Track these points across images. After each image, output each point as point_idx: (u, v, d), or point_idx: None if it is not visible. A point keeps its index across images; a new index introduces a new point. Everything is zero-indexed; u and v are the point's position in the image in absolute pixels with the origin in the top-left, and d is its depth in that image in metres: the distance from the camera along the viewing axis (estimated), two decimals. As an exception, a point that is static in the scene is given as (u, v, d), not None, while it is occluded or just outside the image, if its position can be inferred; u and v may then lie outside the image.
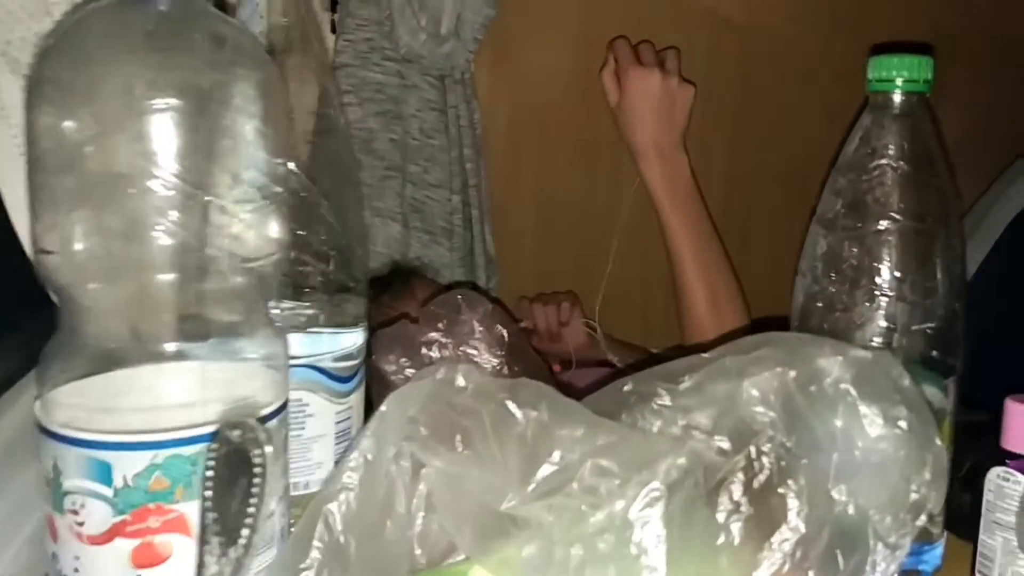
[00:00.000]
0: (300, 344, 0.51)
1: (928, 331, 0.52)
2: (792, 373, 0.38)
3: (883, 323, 0.51)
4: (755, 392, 0.37)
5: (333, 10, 1.35)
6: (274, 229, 0.43)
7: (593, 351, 1.30)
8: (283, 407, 0.44)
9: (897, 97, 0.51)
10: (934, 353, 0.53)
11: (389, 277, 1.17)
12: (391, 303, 1.09)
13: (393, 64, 1.33)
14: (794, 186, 1.55)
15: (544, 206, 1.55)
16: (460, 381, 0.42)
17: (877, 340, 0.52)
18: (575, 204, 1.54)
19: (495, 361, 0.59)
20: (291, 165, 0.50)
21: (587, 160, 1.51)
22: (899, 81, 0.50)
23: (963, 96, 1.57)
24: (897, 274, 0.51)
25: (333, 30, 1.35)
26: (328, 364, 0.53)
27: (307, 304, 0.53)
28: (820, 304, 0.53)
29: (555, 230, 1.55)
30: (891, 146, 0.51)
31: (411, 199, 1.37)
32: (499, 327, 0.62)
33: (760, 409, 0.37)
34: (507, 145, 1.51)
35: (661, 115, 0.99)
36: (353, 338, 0.54)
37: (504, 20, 1.44)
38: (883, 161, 0.50)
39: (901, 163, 0.50)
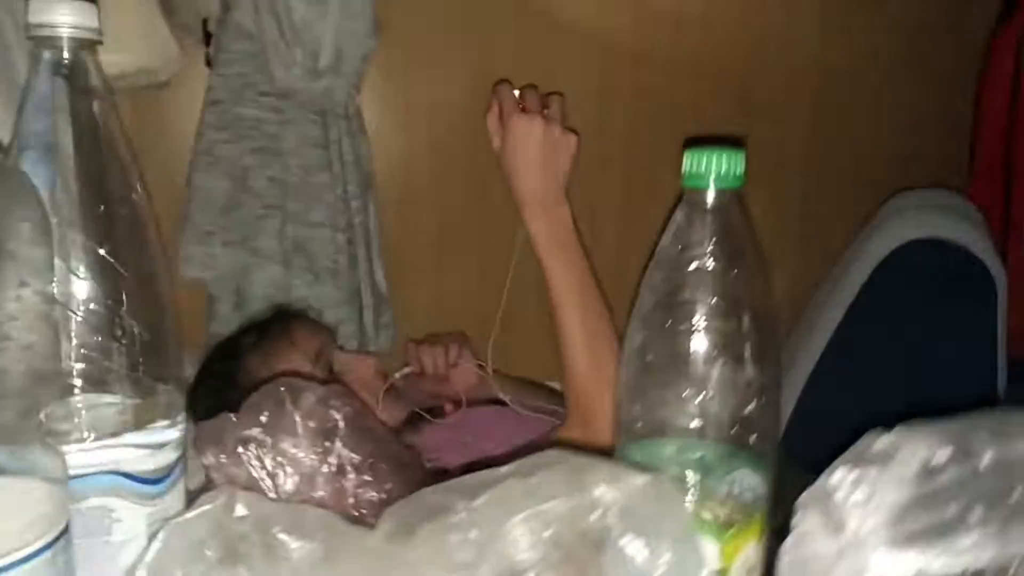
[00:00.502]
0: (100, 450, 0.49)
1: (743, 421, 0.52)
2: (564, 507, 0.38)
3: (696, 416, 0.52)
4: (524, 531, 0.37)
5: (207, 44, 1.31)
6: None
7: (485, 390, 1.29)
8: (59, 536, 0.42)
9: (710, 195, 0.51)
10: (751, 440, 0.53)
11: (268, 322, 1.13)
12: (270, 351, 1.06)
13: (269, 99, 1.30)
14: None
15: (441, 241, 1.54)
16: (240, 510, 0.40)
17: (693, 428, 0.52)
18: (472, 238, 1.53)
19: (317, 456, 0.57)
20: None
21: (484, 194, 1.50)
22: (712, 179, 0.51)
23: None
24: (706, 369, 0.51)
25: (208, 64, 1.31)
26: (133, 468, 0.50)
27: (109, 404, 0.50)
28: (638, 396, 0.53)
29: (452, 265, 1.55)
30: (702, 242, 0.51)
31: (293, 238, 1.34)
32: (332, 414, 0.60)
33: (525, 551, 0.37)
34: (401, 180, 1.49)
35: (543, 164, 0.96)
36: (162, 437, 0.52)
37: (393, 52, 1.43)
38: (694, 259, 0.51)
39: (711, 260, 0.51)
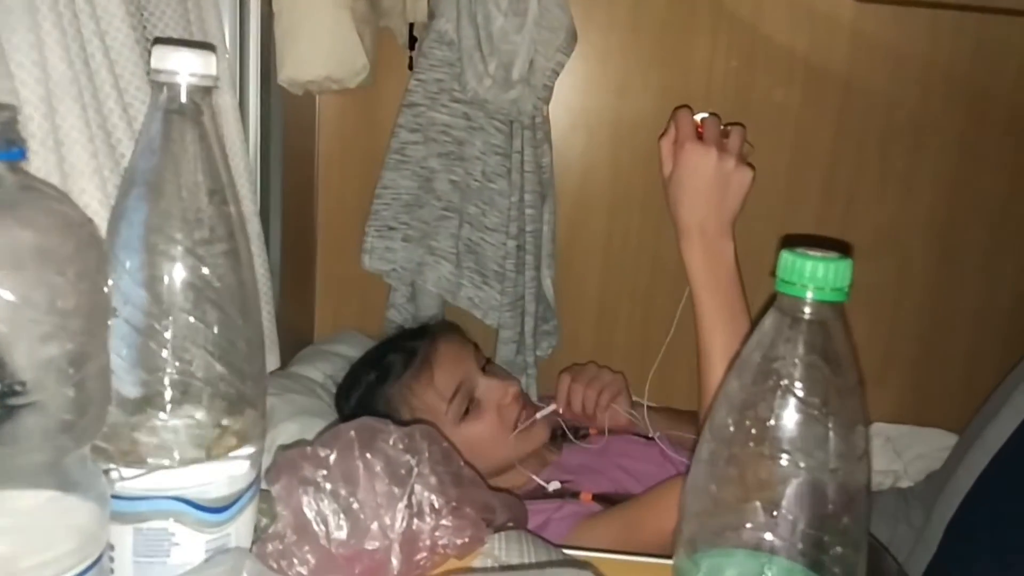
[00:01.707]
0: (166, 475, 0.52)
1: (823, 547, 0.46)
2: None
3: (769, 533, 0.46)
4: None
5: (411, 47, 1.36)
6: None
7: (633, 428, 1.26)
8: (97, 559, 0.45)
9: (807, 307, 0.45)
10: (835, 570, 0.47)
11: (414, 336, 1.16)
12: (411, 384, 1.09)
13: (460, 106, 1.33)
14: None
15: (609, 255, 1.51)
16: (244, 576, 0.41)
17: (763, 544, 0.47)
18: (643, 254, 1.49)
19: (384, 501, 0.57)
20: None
21: (659, 212, 1.45)
22: (811, 288, 0.44)
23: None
24: (779, 495, 0.45)
25: (410, 67, 1.36)
26: (196, 496, 0.53)
27: (182, 428, 0.53)
28: (703, 508, 0.48)
29: (619, 279, 1.51)
30: (792, 358, 0.45)
31: (466, 240, 1.37)
32: (408, 458, 0.60)
33: None
34: (577, 191, 1.48)
35: (711, 196, 0.90)
36: (231, 467, 0.54)
37: (584, 63, 1.41)
38: (780, 375, 0.45)
39: (799, 381, 0.45)
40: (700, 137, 0.93)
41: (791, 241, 0.47)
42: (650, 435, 1.21)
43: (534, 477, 1.12)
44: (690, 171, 0.91)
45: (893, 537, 1.09)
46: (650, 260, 1.48)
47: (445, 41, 1.31)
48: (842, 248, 0.45)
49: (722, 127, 0.95)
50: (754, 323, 0.48)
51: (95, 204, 0.65)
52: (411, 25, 1.37)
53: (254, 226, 1.01)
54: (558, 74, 1.30)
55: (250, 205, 1.00)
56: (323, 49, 1.06)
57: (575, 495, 1.10)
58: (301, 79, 1.07)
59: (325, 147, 1.47)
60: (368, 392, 1.10)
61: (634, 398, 1.25)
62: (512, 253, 1.34)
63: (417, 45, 1.35)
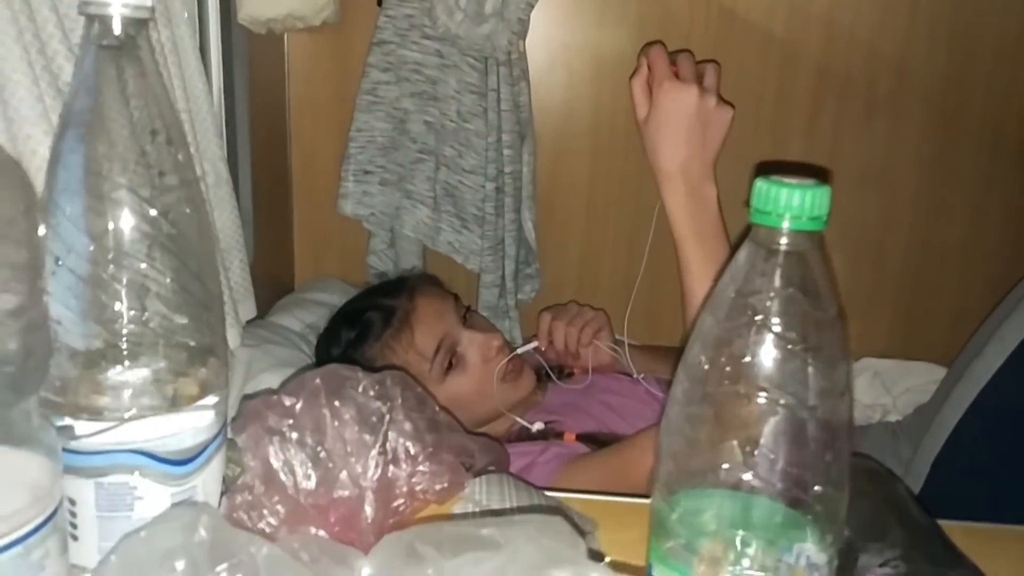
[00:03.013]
0: (125, 428, 0.50)
1: (806, 485, 0.45)
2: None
3: (749, 470, 0.45)
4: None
5: (379, -18, 1.31)
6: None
7: (617, 365, 1.25)
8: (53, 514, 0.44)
9: (783, 237, 0.42)
10: (816, 510, 0.46)
11: (393, 291, 1.13)
12: (391, 343, 1.07)
13: (432, 43, 1.28)
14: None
15: (592, 193, 1.48)
16: (201, 534, 0.40)
17: (744, 483, 0.45)
18: (627, 192, 1.46)
19: (355, 450, 0.56)
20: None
21: (642, 149, 1.42)
22: (787, 218, 0.42)
23: None
24: (757, 433, 0.44)
25: (379, 3, 1.31)
26: (157, 448, 0.51)
27: (141, 379, 0.51)
28: (680, 446, 0.47)
29: (602, 218, 1.49)
30: (768, 291, 0.43)
31: (444, 183, 1.34)
32: (379, 405, 0.58)
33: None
34: (558, 129, 1.44)
35: (692, 137, 0.85)
36: (193, 418, 0.53)
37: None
38: (755, 311, 0.43)
39: (775, 316, 0.43)
40: (675, 76, 0.89)
41: (766, 168, 0.44)
42: (634, 375, 1.20)
43: (518, 420, 1.12)
44: (670, 111, 0.86)
45: None
46: (634, 199, 1.45)
47: (414, -26, 1.26)
48: (820, 174, 0.43)
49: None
50: (729, 257, 0.45)
51: (42, 150, 0.62)
52: (379, -42, 1.31)
53: (220, 171, 0.98)
54: (532, 7, 1.26)
55: (215, 149, 0.97)
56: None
57: (559, 435, 1.09)
58: (262, 16, 1.03)
59: (296, 90, 1.42)
60: (348, 351, 1.08)
61: (617, 336, 1.24)
62: (491, 196, 1.31)
63: (386, -21, 1.30)
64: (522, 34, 1.28)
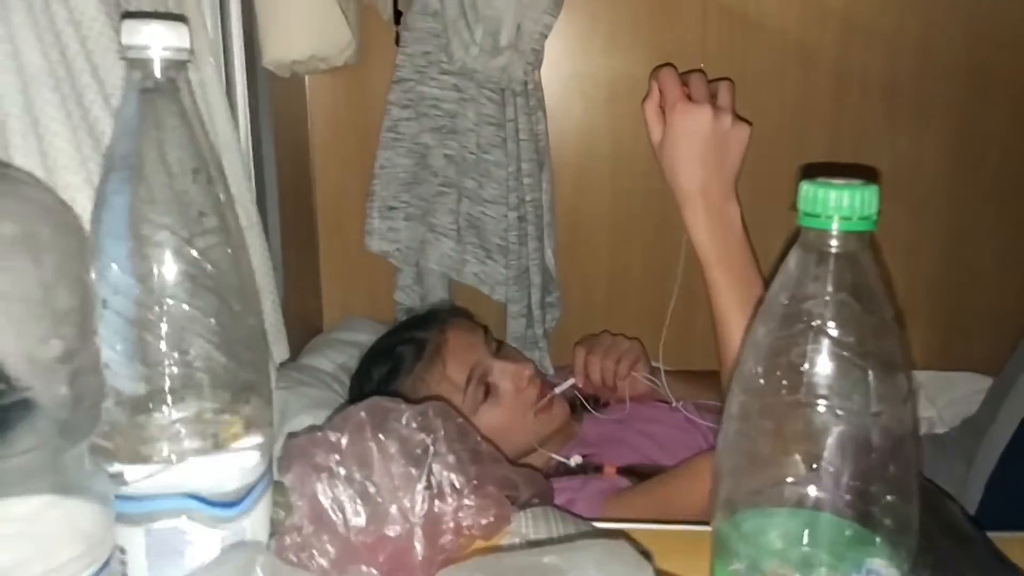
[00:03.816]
0: (173, 471, 0.50)
1: (874, 498, 0.43)
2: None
3: (812, 485, 0.43)
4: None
5: (397, 22, 1.33)
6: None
7: (654, 394, 1.23)
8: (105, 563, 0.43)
9: (833, 239, 0.42)
10: (887, 523, 0.44)
11: (425, 332, 1.12)
12: (423, 376, 1.06)
13: (449, 78, 1.30)
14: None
15: (616, 219, 1.47)
16: (259, 573, 0.39)
17: (808, 499, 0.44)
18: (648, 217, 1.45)
19: (401, 484, 0.55)
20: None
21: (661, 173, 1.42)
22: (836, 219, 0.41)
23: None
24: (820, 445, 0.42)
25: (397, 42, 1.32)
26: (205, 491, 0.51)
27: (187, 421, 0.51)
28: (739, 466, 0.46)
29: (626, 244, 1.48)
30: (821, 295, 0.42)
31: (466, 215, 1.34)
32: (423, 437, 0.58)
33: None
34: (578, 156, 1.44)
35: (709, 158, 0.83)
36: (238, 459, 0.52)
37: (573, 25, 1.37)
38: (810, 315, 0.42)
39: (831, 319, 0.42)
40: (688, 98, 0.88)
41: (811, 171, 0.44)
42: (672, 403, 1.18)
43: (554, 456, 1.10)
44: (684, 133, 0.85)
45: None
46: (656, 222, 1.44)
47: (429, 12, 1.28)
48: (867, 173, 0.42)
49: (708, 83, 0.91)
50: (777, 264, 0.45)
51: (82, 198, 0.63)
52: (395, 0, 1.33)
53: (251, 214, 0.98)
54: (546, 37, 1.26)
55: (245, 193, 0.97)
56: (306, 26, 1.02)
57: (599, 469, 1.07)
58: (286, 59, 1.04)
59: (318, 130, 1.44)
60: (380, 387, 1.07)
61: (652, 363, 1.22)
62: (514, 225, 1.31)
63: (402, 19, 1.32)
64: (537, 64, 1.29)
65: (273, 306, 1.04)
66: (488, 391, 1.07)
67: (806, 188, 0.42)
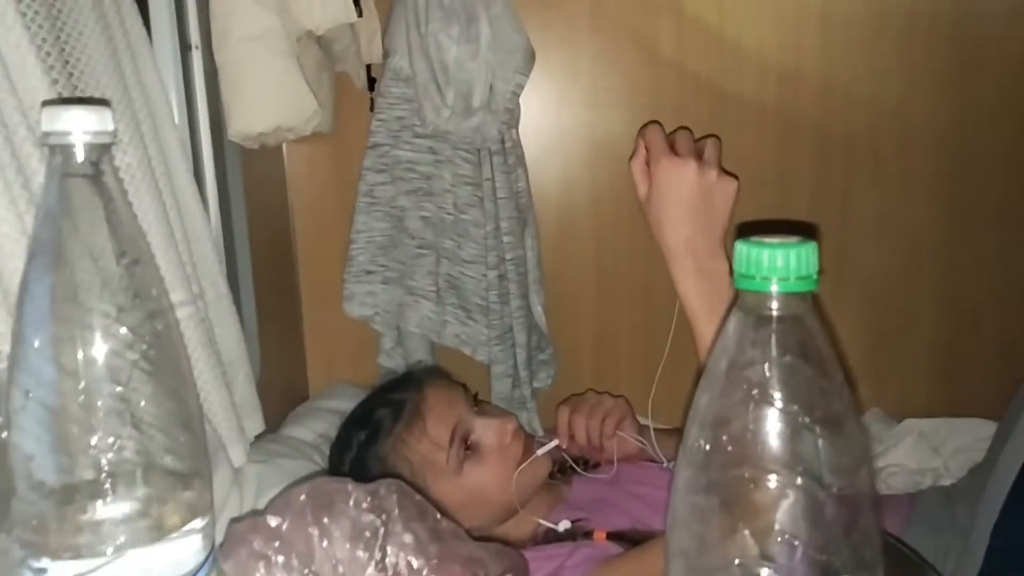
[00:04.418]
0: (109, 568, 0.48)
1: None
2: None
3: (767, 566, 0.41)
4: None
5: (371, 89, 1.34)
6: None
7: (643, 453, 1.20)
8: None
9: (773, 302, 0.40)
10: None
11: (402, 396, 1.09)
12: (404, 436, 1.04)
13: (424, 141, 1.30)
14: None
15: (601, 273, 1.46)
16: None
17: None
18: (635, 269, 1.44)
19: (348, 569, 0.52)
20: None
21: (645, 226, 1.41)
22: (774, 281, 0.40)
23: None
24: (769, 525, 0.40)
25: (372, 109, 1.33)
26: (150, 581, 0.49)
27: (124, 511, 0.49)
28: (690, 542, 0.43)
29: (613, 297, 1.46)
30: (762, 361, 0.40)
31: (445, 275, 1.33)
32: (373, 519, 0.55)
33: None
34: (559, 211, 1.44)
35: (696, 213, 0.82)
36: (177, 551, 0.50)
37: (550, 81, 1.38)
38: (751, 384, 0.40)
39: (774, 387, 0.40)
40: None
41: (747, 229, 0.42)
42: (663, 464, 1.15)
43: (542, 521, 1.07)
44: (669, 188, 0.83)
45: (939, 547, 1.00)
46: (643, 276, 1.43)
47: (401, 78, 1.28)
48: (805, 230, 0.41)
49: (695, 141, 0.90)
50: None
51: (16, 250, 0.61)
52: (368, 67, 1.34)
53: (220, 285, 0.97)
54: (518, 96, 1.27)
55: (214, 265, 0.97)
56: (270, 99, 1.03)
57: (588, 534, 1.04)
58: (252, 132, 1.04)
59: (298, 197, 1.44)
60: (361, 453, 1.05)
61: (641, 421, 1.19)
62: (494, 284, 1.30)
63: (376, 86, 1.32)
64: (512, 123, 1.29)
65: (246, 378, 1.02)
66: (470, 449, 1.04)
67: (740, 248, 0.41)
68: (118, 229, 0.48)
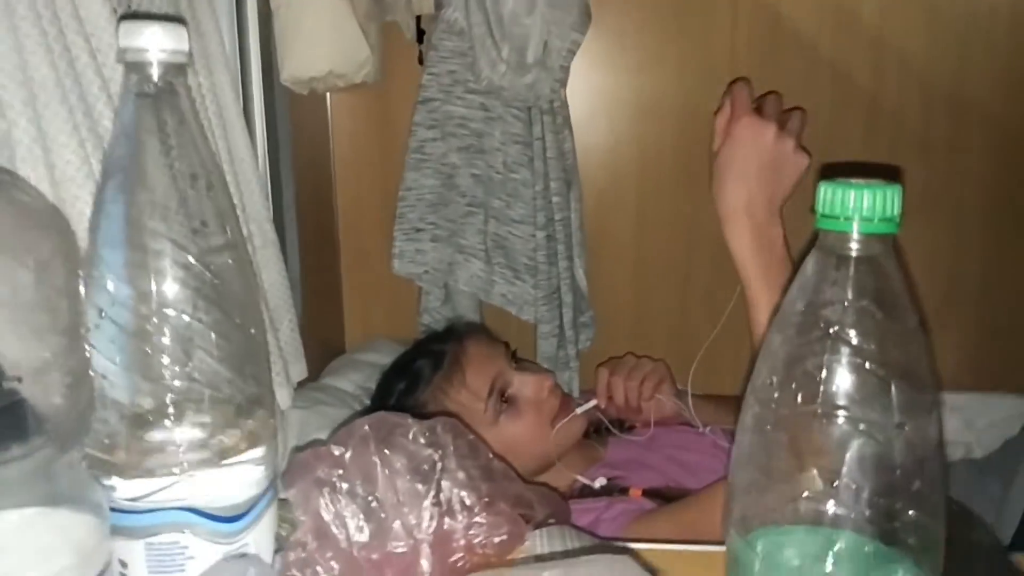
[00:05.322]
0: (173, 484, 0.49)
1: (898, 514, 0.41)
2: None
3: (832, 501, 0.41)
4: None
5: (420, 41, 1.33)
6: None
7: (680, 417, 1.20)
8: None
9: (853, 242, 0.39)
10: (911, 541, 0.41)
11: (442, 346, 1.11)
12: (443, 386, 1.05)
13: (476, 97, 1.29)
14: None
15: (642, 237, 1.45)
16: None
17: (827, 515, 0.41)
18: (677, 234, 1.43)
19: (407, 500, 0.53)
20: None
21: (688, 190, 1.40)
22: (856, 220, 0.39)
23: None
24: (839, 459, 0.40)
25: (420, 62, 1.32)
26: (206, 504, 0.50)
27: (188, 434, 0.49)
28: (755, 480, 0.43)
29: (653, 262, 1.46)
30: (840, 302, 0.40)
31: (494, 235, 1.33)
32: (431, 453, 0.56)
33: None
34: (604, 173, 1.43)
35: (762, 175, 0.80)
36: (240, 475, 0.51)
37: (601, 43, 1.36)
38: (828, 322, 0.40)
39: (851, 326, 0.39)
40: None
41: (830, 171, 0.41)
42: (699, 428, 1.15)
43: (579, 477, 1.08)
44: (743, 145, 0.81)
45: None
46: (684, 241, 1.42)
47: (455, 31, 1.27)
48: (888, 173, 0.40)
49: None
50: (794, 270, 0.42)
51: (89, 212, 0.62)
52: (418, 18, 1.33)
53: (267, 231, 0.98)
54: (574, 54, 1.26)
55: (262, 210, 0.97)
56: (324, 43, 1.03)
57: (624, 491, 1.05)
58: (304, 76, 1.04)
59: (339, 149, 1.44)
60: (400, 400, 1.06)
61: (679, 387, 1.19)
62: (542, 244, 1.30)
63: (426, 38, 1.32)
64: (564, 82, 1.28)
65: (291, 325, 1.03)
66: (508, 402, 1.05)
67: (824, 188, 0.40)
68: (191, 151, 0.49)
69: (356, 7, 1.12)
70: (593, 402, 1.15)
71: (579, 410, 1.11)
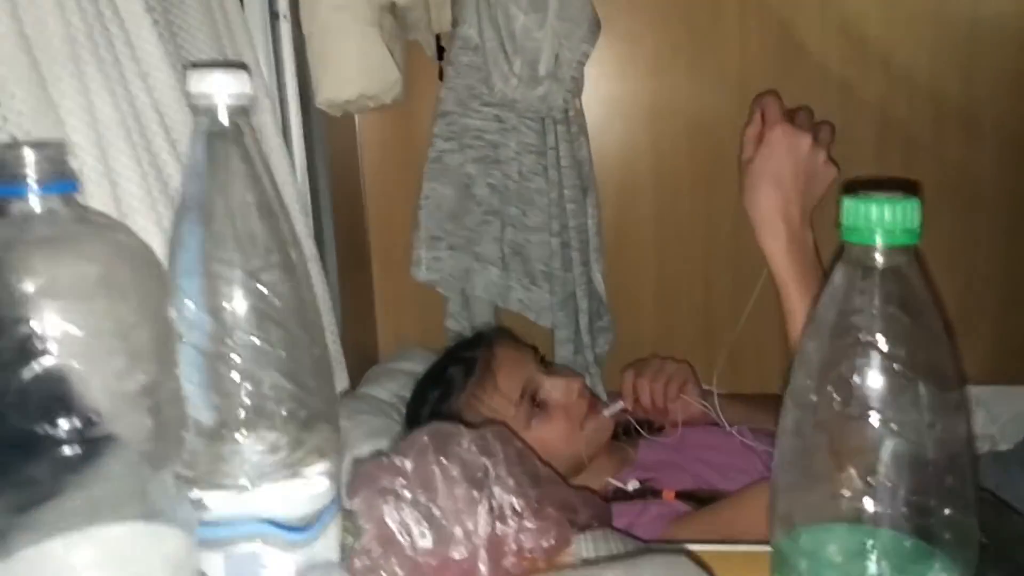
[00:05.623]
0: (249, 497, 0.52)
1: (932, 511, 0.44)
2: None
3: (869, 499, 0.44)
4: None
5: (440, 58, 1.37)
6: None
7: (706, 417, 1.22)
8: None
9: (877, 254, 0.43)
10: (946, 536, 0.44)
11: (473, 353, 1.14)
12: (476, 392, 1.09)
13: (491, 109, 1.33)
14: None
15: (661, 241, 1.49)
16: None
17: (865, 514, 0.44)
18: (694, 238, 1.46)
19: (464, 507, 0.56)
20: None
21: (705, 195, 1.43)
22: (879, 233, 0.42)
23: None
24: (874, 459, 0.43)
25: (441, 77, 1.36)
26: (279, 515, 0.53)
27: (261, 448, 0.53)
28: (795, 482, 0.46)
29: (673, 265, 1.49)
30: (868, 309, 0.43)
31: (510, 242, 1.36)
32: (483, 460, 0.59)
33: None
34: (621, 179, 1.46)
35: (796, 183, 0.82)
36: (310, 484, 0.54)
37: (614, 51, 1.40)
38: (858, 329, 0.43)
39: (879, 333, 0.42)
40: None
41: (852, 186, 0.45)
42: (726, 427, 1.18)
43: (611, 480, 1.10)
44: (779, 153, 0.83)
45: None
46: (703, 244, 1.45)
47: (470, 46, 1.31)
48: (906, 187, 0.43)
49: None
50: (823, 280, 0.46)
51: (152, 239, 0.66)
52: (438, 36, 1.37)
53: (309, 248, 1.02)
54: (584, 64, 1.29)
55: (303, 228, 1.01)
56: (356, 67, 1.07)
57: (656, 493, 1.07)
58: (338, 99, 1.08)
59: (369, 166, 1.48)
60: (435, 409, 1.10)
61: (704, 387, 1.22)
62: (558, 251, 1.33)
63: (445, 55, 1.36)
64: (576, 92, 1.32)
65: (332, 337, 1.07)
66: (538, 405, 1.08)
67: (848, 203, 0.43)
68: (257, 184, 0.53)
69: (382, 28, 1.16)
70: (620, 404, 1.17)
71: (607, 412, 1.14)
